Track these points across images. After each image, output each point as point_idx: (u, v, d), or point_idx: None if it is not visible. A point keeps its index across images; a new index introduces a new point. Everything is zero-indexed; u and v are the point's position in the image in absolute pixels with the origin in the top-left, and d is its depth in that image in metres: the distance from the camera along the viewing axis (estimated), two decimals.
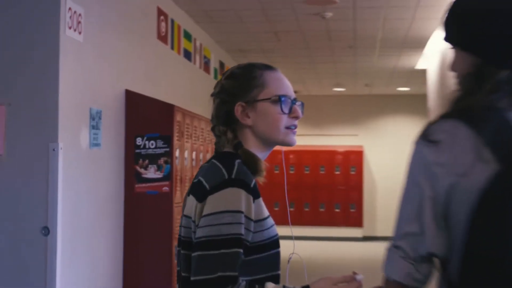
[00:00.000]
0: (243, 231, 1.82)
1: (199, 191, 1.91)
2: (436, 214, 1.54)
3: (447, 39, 1.69)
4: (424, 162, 1.55)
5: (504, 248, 1.41)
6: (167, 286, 5.36)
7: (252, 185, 1.88)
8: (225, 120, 2.05)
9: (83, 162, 4.67)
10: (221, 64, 9.46)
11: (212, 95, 2.14)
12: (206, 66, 8.46)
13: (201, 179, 1.93)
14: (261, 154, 2.05)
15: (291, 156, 14.33)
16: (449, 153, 1.51)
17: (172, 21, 6.89)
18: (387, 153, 14.79)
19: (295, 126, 2.06)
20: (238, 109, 2.03)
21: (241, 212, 1.82)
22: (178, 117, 5.65)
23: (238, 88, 2.04)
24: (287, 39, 8.90)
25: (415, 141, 1.60)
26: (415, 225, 1.55)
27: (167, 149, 5.41)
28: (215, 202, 1.84)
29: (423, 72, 10.80)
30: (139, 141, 5.40)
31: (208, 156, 6.72)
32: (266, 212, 1.94)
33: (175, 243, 5.41)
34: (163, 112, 5.53)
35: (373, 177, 14.96)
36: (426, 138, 1.56)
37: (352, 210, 14.48)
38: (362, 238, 14.37)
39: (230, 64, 9.99)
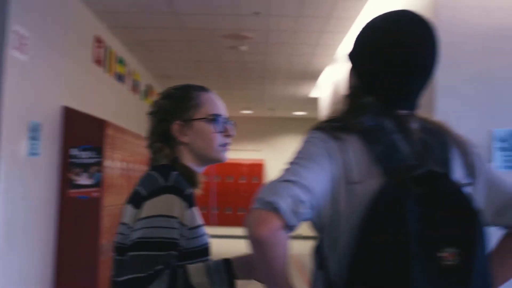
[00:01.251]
0: (177, 235, 1.64)
1: (135, 199, 1.73)
2: (327, 189, 1.39)
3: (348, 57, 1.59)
4: (329, 148, 1.42)
5: (392, 255, 1.28)
6: (93, 281, 5.12)
7: (186, 193, 1.71)
8: (162, 137, 1.88)
9: (21, 169, 4.39)
10: (149, 87, 9.24)
11: (149, 113, 1.95)
12: (135, 88, 8.23)
13: (138, 188, 1.76)
14: (196, 170, 1.89)
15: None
16: (351, 155, 1.42)
17: (108, 48, 6.65)
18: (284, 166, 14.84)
19: (228, 144, 1.92)
20: (175, 127, 1.86)
21: (174, 217, 1.65)
22: (109, 131, 5.48)
23: (176, 107, 1.88)
24: (207, 67, 8.81)
25: (314, 130, 1.47)
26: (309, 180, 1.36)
27: (99, 159, 5.22)
28: (150, 207, 1.67)
29: (316, 99, 10.90)
30: (73, 151, 5.20)
31: (135, 166, 6.53)
32: (199, 221, 1.77)
33: (102, 241, 5.21)
34: (96, 126, 5.35)
35: None
36: (331, 133, 1.45)
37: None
38: None
39: (156, 87, 9.79)
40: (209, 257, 1.80)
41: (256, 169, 14.75)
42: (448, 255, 1.30)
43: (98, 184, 5.21)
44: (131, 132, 6.51)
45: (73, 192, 5.16)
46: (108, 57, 6.71)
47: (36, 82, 4.61)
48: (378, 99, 1.49)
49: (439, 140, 1.51)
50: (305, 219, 1.35)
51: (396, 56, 1.46)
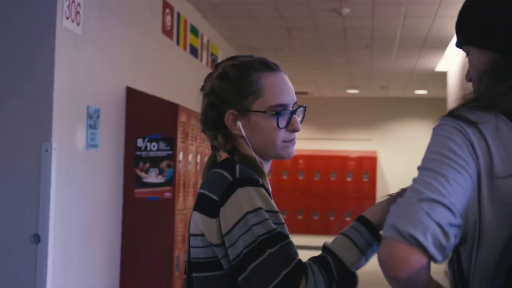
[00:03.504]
0: (273, 225, 1.71)
1: (205, 205, 1.78)
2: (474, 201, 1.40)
3: (463, 41, 1.65)
4: (468, 141, 1.42)
5: None
6: None
7: (261, 182, 1.79)
8: (215, 125, 1.92)
9: (78, 165, 4.53)
10: None
11: (201, 89, 1.99)
12: (213, 63, 8.32)
13: (203, 191, 1.81)
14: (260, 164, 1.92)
15: (300, 161, 14.23)
16: (494, 144, 1.41)
17: (178, 14, 6.76)
18: (402, 160, 14.63)
19: (294, 138, 1.93)
20: (228, 117, 1.89)
21: (260, 208, 1.72)
22: (182, 117, 5.55)
23: (230, 93, 1.89)
24: (300, 36, 8.81)
25: (447, 117, 1.48)
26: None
27: (170, 152, 5.30)
28: (232, 210, 1.73)
29: (443, 74, 10.68)
30: (140, 142, 5.28)
31: None
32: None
33: (177, 252, 5.30)
34: (166, 112, 5.44)
35: (387, 185, 14.79)
36: (463, 117, 1.44)
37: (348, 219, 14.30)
38: None
39: None
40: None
41: (367, 163, 14.60)
42: None
43: (170, 182, 5.28)
44: None
45: (141, 192, 5.25)
46: (181, 26, 6.81)
47: (92, 58, 4.72)
48: None
49: None
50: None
51: None
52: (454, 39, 7.81)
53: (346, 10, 7.35)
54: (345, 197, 14.47)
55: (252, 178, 1.76)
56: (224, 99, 1.89)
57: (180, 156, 5.47)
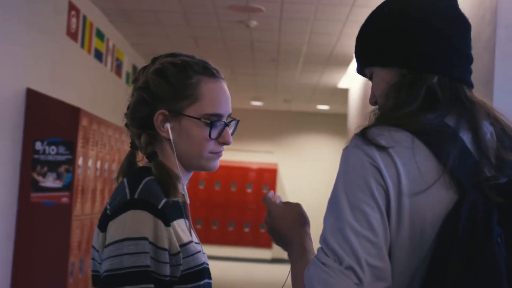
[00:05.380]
0: (149, 261, 1.61)
1: (102, 218, 1.71)
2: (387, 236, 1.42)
3: (365, 64, 1.66)
4: (374, 167, 1.43)
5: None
6: None
7: (160, 206, 1.66)
8: (142, 122, 1.81)
9: None
10: (134, 68, 9.25)
11: (133, 82, 1.87)
12: (118, 69, 8.24)
13: (107, 204, 1.73)
14: (182, 172, 1.82)
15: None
16: (407, 164, 1.43)
17: (84, 17, 6.67)
18: (303, 173, 14.83)
19: (221, 151, 1.85)
20: (158, 117, 1.78)
21: (145, 239, 1.62)
22: (84, 121, 5.48)
23: (166, 92, 1.78)
24: (207, 46, 8.81)
25: (351, 144, 1.48)
26: (376, 254, 1.40)
27: (70, 157, 5.24)
28: (115, 229, 1.64)
29: (345, 91, 10.87)
30: (38, 145, 5.19)
31: (115, 166, 6.53)
32: (186, 237, 1.73)
33: (72, 259, 5.21)
34: (67, 116, 5.36)
35: (287, 197, 14.93)
36: (372, 141, 1.44)
37: (262, 231, 14.42)
38: (270, 260, 14.32)
39: None
40: (209, 281, 1.78)
41: (267, 175, 14.72)
42: None
43: (68, 188, 5.20)
44: (111, 124, 6.49)
45: (37, 196, 5.14)
46: (86, 29, 6.70)
47: None
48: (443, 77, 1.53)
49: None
50: None
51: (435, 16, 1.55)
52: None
53: (254, 23, 7.40)
54: (244, 208, 14.54)
55: (149, 203, 1.66)
56: (158, 97, 1.78)
57: (80, 161, 5.39)
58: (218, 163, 1.86)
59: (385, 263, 1.38)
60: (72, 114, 5.36)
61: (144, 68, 1.86)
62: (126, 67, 8.76)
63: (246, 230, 14.56)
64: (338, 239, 1.38)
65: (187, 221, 1.79)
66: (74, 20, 6.32)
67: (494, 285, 1.30)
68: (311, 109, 14.55)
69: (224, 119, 1.82)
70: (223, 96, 1.84)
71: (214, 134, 1.79)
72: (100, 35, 7.31)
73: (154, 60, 1.86)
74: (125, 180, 1.75)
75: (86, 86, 6.86)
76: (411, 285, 1.41)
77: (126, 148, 6.22)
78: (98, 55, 7.29)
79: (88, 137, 5.62)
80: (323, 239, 1.41)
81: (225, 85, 1.87)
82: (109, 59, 7.81)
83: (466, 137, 1.47)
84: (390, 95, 1.55)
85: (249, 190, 14.61)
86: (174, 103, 1.77)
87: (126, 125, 1.87)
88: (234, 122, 1.88)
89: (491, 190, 1.37)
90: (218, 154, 1.84)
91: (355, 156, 1.45)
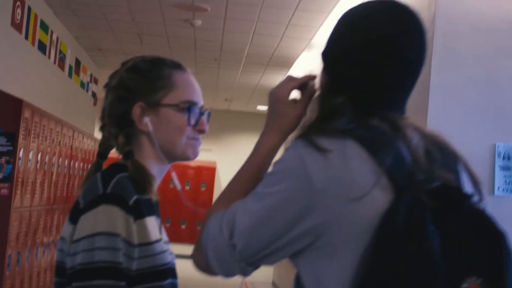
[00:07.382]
0: (121, 258, 1.61)
1: (73, 210, 1.70)
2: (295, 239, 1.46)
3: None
4: (307, 172, 1.45)
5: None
6: None
7: (131, 203, 1.67)
8: (119, 121, 1.81)
9: None
10: (77, 62, 9.17)
11: (105, 86, 1.88)
12: (61, 62, 8.17)
13: (79, 197, 1.72)
14: (158, 167, 1.84)
15: None
16: (343, 169, 1.43)
17: (29, 8, 6.61)
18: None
19: (198, 140, 1.87)
20: (136, 110, 1.79)
21: (117, 235, 1.62)
22: (26, 113, 5.45)
23: (141, 84, 1.80)
24: (151, 42, 8.80)
25: (294, 143, 1.52)
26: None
27: (10, 148, 5.20)
28: (86, 223, 1.63)
29: None
30: None
31: (55, 159, 6.49)
32: (154, 236, 1.73)
33: (9, 251, 5.17)
34: (9, 107, 5.33)
35: None
36: (312, 143, 1.46)
37: (199, 228, 14.38)
38: None
39: (87, 62, 9.70)
40: (173, 281, 1.78)
41: (206, 172, 14.76)
42: (474, 286, 1.34)
43: (8, 179, 5.17)
44: (54, 117, 6.45)
45: None
46: (31, 20, 6.64)
47: None
48: (357, 99, 1.55)
49: (443, 151, 1.56)
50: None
51: (377, 50, 1.52)
52: (299, 59, 8.04)
53: (199, 22, 7.44)
54: (181, 205, 14.51)
55: (121, 198, 1.66)
56: (133, 91, 1.80)
57: (21, 153, 5.35)
58: (198, 151, 1.87)
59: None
60: (14, 105, 5.33)
61: (115, 72, 1.88)
62: (70, 60, 8.67)
63: (183, 227, 14.55)
64: (243, 220, 1.51)
65: (158, 219, 1.80)
66: (19, 11, 6.27)
67: (428, 265, 1.33)
68: (251, 109, 14.60)
69: (199, 108, 1.86)
70: (195, 86, 1.88)
71: (193, 120, 1.82)
72: (44, 27, 7.25)
73: (125, 63, 1.89)
74: (98, 175, 1.73)
75: (29, 78, 6.79)
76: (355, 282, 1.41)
77: (67, 141, 6.26)
78: (42, 47, 7.23)
79: (30, 129, 5.58)
80: (237, 209, 1.55)
81: (194, 79, 1.91)
82: (53, 52, 7.74)
83: (400, 145, 1.49)
84: (316, 103, 1.61)
85: (187, 188, 14.60)
86: (150, 95, 1.79)
87: (101, 128, 1.87)
88: (206, 113, 1.90)
89: (424, 193, 1.39)
90: (197, 140, 1.86)
91: (292, 154, 1.51)
